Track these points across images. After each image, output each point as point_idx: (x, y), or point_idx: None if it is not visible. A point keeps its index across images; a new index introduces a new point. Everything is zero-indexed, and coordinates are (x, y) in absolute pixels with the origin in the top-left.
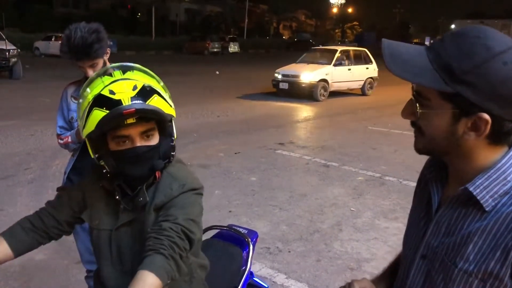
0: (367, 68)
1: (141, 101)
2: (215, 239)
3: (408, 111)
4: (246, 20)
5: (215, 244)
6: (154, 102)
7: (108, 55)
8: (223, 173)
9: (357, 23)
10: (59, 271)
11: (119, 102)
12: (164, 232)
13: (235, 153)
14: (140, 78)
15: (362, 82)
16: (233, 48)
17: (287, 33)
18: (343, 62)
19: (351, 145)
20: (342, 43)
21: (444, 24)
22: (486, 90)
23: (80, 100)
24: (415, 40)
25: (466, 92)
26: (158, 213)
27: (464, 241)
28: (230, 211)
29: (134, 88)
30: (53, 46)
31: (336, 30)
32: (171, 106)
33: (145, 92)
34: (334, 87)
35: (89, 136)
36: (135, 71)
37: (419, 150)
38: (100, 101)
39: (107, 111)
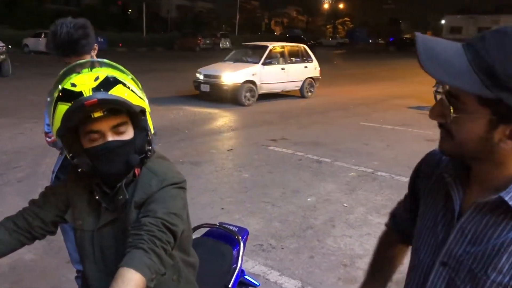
0: (306, 67)
1: (103, 92)
2: (205, 238)
3: (437, 113)
4: (238, 16)
5: (205, 242)
6: (118, 92)
7: (95, 51)
8: (215, 170)
9: (349, 19)
10: (49, 271)
11: (80, 94)
12: (144, 227)
13: (228, 150)
14: (106, 72)
15: (300, 83)
16: (225, 44)
17: (278, 29)
18: (274, 60)
19: (342, 141)
20: (334, 39)
21: (434, 20)
22: None
23: (48, 99)
24: (406, 36)
25: (510, 98)
26: (140, 211)
27: (496, 251)
28: (222, 208)
29: (96, 79)
30: (43, 43)
31: (328, 26)
32: (141, 98)
33: (108, 83)
34: (263, 89)
35: (61, 133)
36: (103, 66)
37: (446, 153)
38: (64, 95)
39: (70, 104)
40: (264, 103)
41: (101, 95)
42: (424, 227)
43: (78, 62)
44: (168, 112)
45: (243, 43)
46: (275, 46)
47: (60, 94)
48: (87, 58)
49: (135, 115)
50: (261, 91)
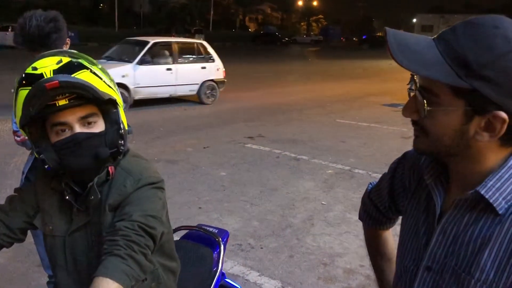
0: (204, 68)
1: (66, 74)
2: (184, 240)
3: (411, 109)
4: (212, 12)
5: (184, 245)
6: (83, 76)
7: (68, 46)
8: (191, 168)
9: (322, 17)
10: (19, 275)
11: (40, 76)
12: (119, 232)
13: (204, 148)
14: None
15: (196, 87)
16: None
17: (253, 26)
18: (159, 59)
19: (321, 138)
20: (308, 36)
21: (406, 18)
22: (506, 86)
23: (12, 90)
24: (378, 34)
25: (484, 87)
26: (115, 214)
27: (478, 249)
28: (200, 208)
29: (59, 62)
30: (10, 37)
31: (302, 24)
32: (111, 87)
33: (72, 66)
34: (141, 94)
35: (23, 123)
36: (66, 55)
37: (422, 152)
38: (24, 80)
39: (30, 88)
40: (141, 112)
41: (63, 77)
42: (407, 232)
43: (43, 53)
44: (142, 110)
45: (127, 38)
46: (159, 41)
47: (23, 80)
48: None
49: (105, 107)
50: (138, 96)
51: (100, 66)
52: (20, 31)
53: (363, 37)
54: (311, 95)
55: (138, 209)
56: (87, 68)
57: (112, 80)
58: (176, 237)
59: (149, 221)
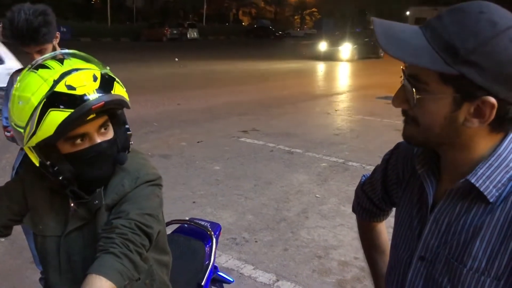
0: None
1: (105, 92)
2: (176, 234)
3: (401, 99)
4: (205, 6)
5: (176, 239)
6: (117, 90)
7: (57, 40)
8: (185, 163)
9: (316, 10)
10: (12, 272)
11: (83, 97)
12: (116, 230)
13: (198, 142)
14: (84, 66)
15: None
16: (192, 34)
17: (246, 20)
18: None
19: (315, 132)
20: (302, 30)
21: (399, 11)
22: (493, 71)
23: (20, 103)
24: (372, 27)
25: (472, 73)
26: (111, 212)
27: (470, 237)
28: (194, 202)
29: (95, 78)
30: None
31: (296, 17)
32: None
33: (107, 82)
34: None
35: (52, 143)
36: (73, 58)
37: (412, 142)
38: (58, 99)
39: (71, 110)
40: (140, 106)
41: (106, 97)
42: (401, 223)
43: (45, 56)
44: (136, 104)
45: None
46: None
47: (52, 99)
48: (49, 47)
49: (116, 111)
50: None
51: (108, 68)
52: (8, 25)
53: (357, 30)
54: (305, 89)
55: (136, 207)
56: (114, 79)
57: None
58: (168, 231)
59: (146, 220)
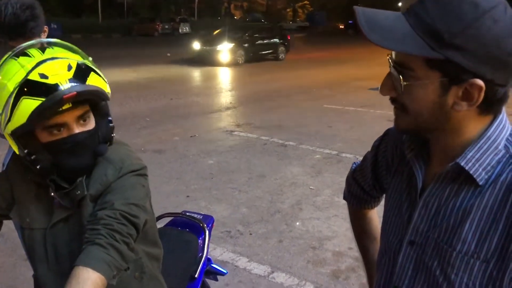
0: None
1: (79, 82)
2: (169, 227)
3: (388, 87)
4: (197, 0)
5: (169, 232)
6: (93, 81)
7: (45, 34)
8: (179, 157)
9: (308, 2)
10: (6, 269)
11: (55, 86)
12: (101, 220)
13: (191, 137)
14: (66, 55)
15: None
16: (184, 29)
17: (238, 13)
18: None
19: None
20: (294, 22)
21: (391, 2)
22: (478, 53)
23: None
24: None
25: (457, 56)
26: (96, 203)
27: (459, 221)
28: (188, 196)
29: (69, 68)
30: None
31: (288, 10)
32: (106, 82)
33: (82, 71)
34: None
35: (25, 131)
36: (55, 47)
37: (403, 129)
38: (30, 88)
39: (42, 99)
40: (133, 102)
41: (79, 87)
42: (391, 209)
43: (25, 44)
44: (128, 100)
45: None
46: None
47: (24, 87)
48: None
49: (98, 102)
50: None
51: (90, 59)
52: None
53: (349, 22)
54: (298, 82)
55: (120, 197)
56: (92, 69)
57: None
58: (161, 224)
59: (131, 210)
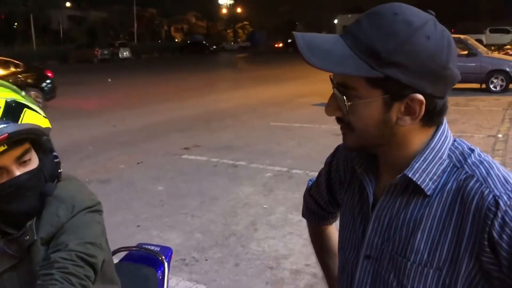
0: None
1: (10, 122)
2: (125, 263)
3: (333, 107)
4: (136, 25)
5: (125, 268)
6: (27, 118)
7: None
8: (126, 186)
9: (248, 23)
10: None
11: None
12: (55, 264)
13: (138, 163)
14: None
15: None
16: (124, 53)
17: (179, 36)
18: None
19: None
20: (236, 43)
21: (327, 20)
22: (415, 68)
23: None
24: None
25: (396, 73)
26: (48, 247)
27: (411, 231)
28: (138, 226)
29: None
30: None
31: (228, 31)
32: (45, 117)
33: (12, 109)
34: None
35: None
36: None
37: (351, 147)
38: None
39: None
40: (73, 130)
41: (11, 127)
42: (346, 224)
43: None
44: (68, 129)
45: None
46: None
47: None
48: None
49: (39, 139)
50: None
51: (23, 94)
52: None
53: (289, 41)
54: (243, 101)
55: (75, 237)
56: (25, 105)
57: (37, 104)
58: (116, 259)
59: (88, 249)
